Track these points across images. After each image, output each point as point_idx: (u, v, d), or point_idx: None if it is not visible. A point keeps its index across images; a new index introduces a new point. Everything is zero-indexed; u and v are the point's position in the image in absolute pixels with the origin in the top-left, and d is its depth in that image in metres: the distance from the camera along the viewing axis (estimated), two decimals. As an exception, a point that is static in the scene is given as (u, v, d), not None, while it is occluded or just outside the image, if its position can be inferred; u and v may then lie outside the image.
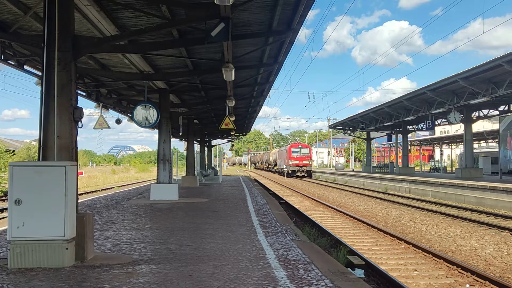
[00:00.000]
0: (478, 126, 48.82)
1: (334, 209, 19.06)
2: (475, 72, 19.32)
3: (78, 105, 6.57)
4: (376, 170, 44.60)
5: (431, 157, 72.02)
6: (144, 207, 13.37)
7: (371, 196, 25.54)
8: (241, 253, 6.67)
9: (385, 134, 42.82)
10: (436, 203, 21.04)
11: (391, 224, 15.20)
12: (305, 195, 26.64)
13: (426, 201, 22.12)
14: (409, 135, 42.96)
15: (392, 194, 26.75)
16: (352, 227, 14.61)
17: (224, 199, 16.29)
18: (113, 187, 34.42)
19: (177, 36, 10.18)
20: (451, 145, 52.04)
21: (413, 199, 23.64)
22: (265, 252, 6.83)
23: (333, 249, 10.09)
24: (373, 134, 46.19)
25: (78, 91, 13.36)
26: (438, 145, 51.67)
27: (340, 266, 6.51)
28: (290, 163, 50.84)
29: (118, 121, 19.90)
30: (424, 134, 54.79)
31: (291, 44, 11.73)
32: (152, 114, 13.11)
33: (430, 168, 55.04)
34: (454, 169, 43.72)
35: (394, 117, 32.41)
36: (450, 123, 27.22)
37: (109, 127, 18.58)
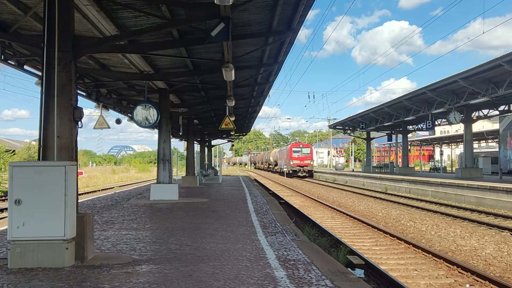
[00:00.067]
0: (478, 126, 48.82)
1: (334, 209, 19.06)
2: (475, 72, 19.33)
3: (78, 105, 6.57)
4: (376, 170, 44.60)
5: (431, 157, 72.02)
6: (144, 207, 13.37)
7: (371, 196, 25.54)
8: (241, 253, 6.67)
9: (385, 134, 42.82)
10: (436, 203, 21.04)
11: (391, 224, 15.20)
12: (305, 195, 26.65)
13: (426, 201, 22.12)
14: (409, 135, 42.95)
15: (392, 194, 26.75)
16: (352, 227, 14.61)
17: (224, 199, 16.29)
18: (113, 187, 34.42)
19: (177, 36, 10.18)
20: (451, 145, 52.04)
21: (413, 199, 23.65)
22: (265, 252, 6.83)
23: (333, 249, 10.09)
24: (373, 134, 46.18)
25: (78, 91, 13.37)
26: (438, 145, 51.67)
27: (340, 266, 6.52)
28: (291, 163, 50.34)
29: (118, 121, 19.90)
30: (424, 134, 54.80)
31: (291, 44, 11.74)
32: (152, 114, 13.12)
33: (430, 168, 55.04)
34: (454, 169, 43.73)
35: (394, 117, 32.41)
36: (450, 123, 27.23)
37: (109, 127, 18.60)
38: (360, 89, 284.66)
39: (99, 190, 31.85)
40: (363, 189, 32.06)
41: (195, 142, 29.66)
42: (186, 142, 28.91)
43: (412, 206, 19.94)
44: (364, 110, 35.72)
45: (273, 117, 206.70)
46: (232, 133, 35.94)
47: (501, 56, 17.20)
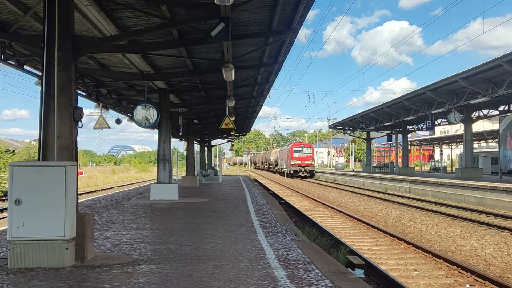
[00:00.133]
0: (478, 126, 48.81)
1: (334, 209, 19.06)
2: (475, 72, 19.33)
3: (78, 105, 6.57)
4: (376, 170, 44.59)
5: (431, 157, 72.01)
6: (144, 207, 13.37)
7: (371, 196, 25.53)
8: (241, 253, 6.67)
9: (385, 134, 42.81)
10: (436, 203, 21.03)
11: (391, 224, 15.20)
12: (305, 195, 26.64)
13: (426, 201, 22.12)
14: (409, 135, 42.94)
15: (392, 194, 26.75)
16: (352, 227, 14.61)
17: (224, 199, 16.29)
18: (113, 187, 34.42)
19: (177, 36, 10.18)
20: (451, 145, 52.03)
21: (413, 199, 23.64)
22: (265, 252, 6.83)
23: (333, 249, 10.09)
24: (373, 134, 46.17)
25: (78, 91, 13.38)
26: (438, 145, 51.66)
27: (340, 266, 6.52)
28: (292, 163, 49.63)
29: (118, 121, 19.91)
30: (424, 134, 54.81)
31: (291, 44, 11.74)
32: (152, 114, 13.12)
33: (430, 168, 55.02)
34: (454, 169, 43.73)
35: (394, 117, 32.41)
36: (450, 123, 27.23)
37: (109, 127, 18.60)
38: (360, 89, 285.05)
39: (99, 190, 31.85)
40: (363, 189, 32.06)
41: (195, 142, 29.66)
42: (186, 142, 28.92)
43: (412, 206, 19.94)
44: (364, 110, 35.73)
45: (273, 117, 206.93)
46: (232, 133, 35.94)
47: (501, 56, 17.20)
